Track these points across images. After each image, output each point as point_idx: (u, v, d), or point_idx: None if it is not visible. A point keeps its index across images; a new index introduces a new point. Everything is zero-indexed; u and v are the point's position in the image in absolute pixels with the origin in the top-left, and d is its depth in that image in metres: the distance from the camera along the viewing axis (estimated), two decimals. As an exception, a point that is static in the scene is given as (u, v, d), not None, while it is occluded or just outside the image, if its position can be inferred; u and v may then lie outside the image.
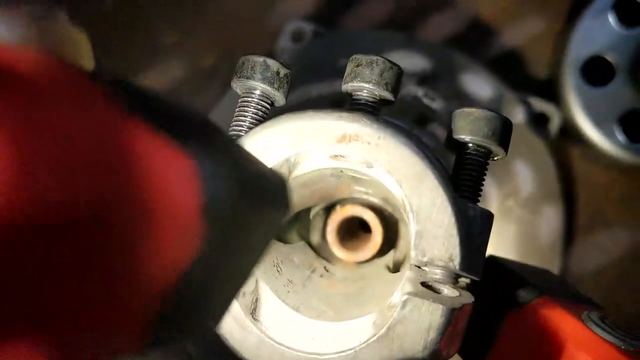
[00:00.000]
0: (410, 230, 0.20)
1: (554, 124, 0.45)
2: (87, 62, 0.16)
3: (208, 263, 0.15)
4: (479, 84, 0.43)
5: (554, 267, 0.43)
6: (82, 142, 0.12)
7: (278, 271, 0.25)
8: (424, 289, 0.20)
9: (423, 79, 0.41)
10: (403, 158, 0.20)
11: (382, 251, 0.32)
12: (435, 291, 0.20)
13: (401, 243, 0.32)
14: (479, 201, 0.21)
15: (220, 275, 0.16)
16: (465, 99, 0.40)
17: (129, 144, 0.12)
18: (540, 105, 0.45)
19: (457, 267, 0.19)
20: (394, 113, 0.27)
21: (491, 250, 0.37)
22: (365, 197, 0.30)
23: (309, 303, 0.25)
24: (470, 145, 0.21)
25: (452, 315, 0.20)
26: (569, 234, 0.46)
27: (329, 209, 0.33)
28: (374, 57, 0.22)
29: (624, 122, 0.43)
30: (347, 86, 0.22)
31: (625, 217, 0.47)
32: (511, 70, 0.47)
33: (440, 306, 0.20)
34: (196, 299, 0.15)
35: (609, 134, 0.43)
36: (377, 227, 0.31)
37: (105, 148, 0.12)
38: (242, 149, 0.17)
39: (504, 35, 0.48)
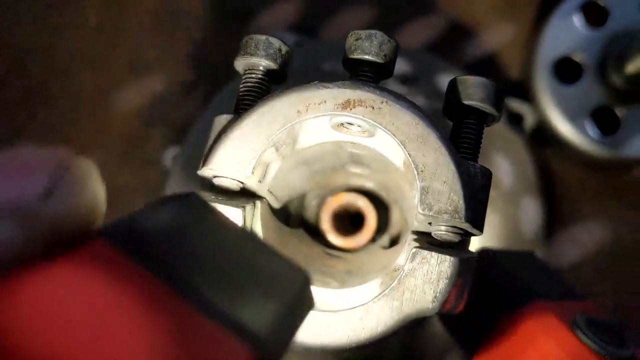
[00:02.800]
0: (416, 187, 0.21)
1: (529, 122, 0.46)
2: (101, 196, 0.14)
3: None
4: (457, 85, 0.44)
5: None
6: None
7: (284, 248, 0.26)
8: (431, 245, 0.21)
9: (405, 80, 0.42)
10: (406, 120, 0.21)
11: (375, 237, 0.33)
12: (443, 247, 0.21)
13: (393, 227, 0.33)
14: (477, 160, 0.22)
15: None
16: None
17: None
18: (515, 105, 0.47)
19: (463, 218, 0.20)
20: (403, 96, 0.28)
21: (480, 238, 0.38)
22: (359, 182, 0.31)
23: (314, 276, 0.25)
24: (468, 108, 0.23)
25: (460, 266, 0.21)
26: (548, 228, 0.48)
27: (322, 198, 0.33)
28: (373, 31, 0.23)
29: (595, 118, 0.45)
30: (350, 56, 0.23)
31: (601, 212, 0.49)
32: (486, 73, 0.49)
33: (448, 257, 0.21)
34: None
35: (582, 130, 0.45)
36: (371, 212, 0.32)
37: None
38: (271, 257, 0.17)
39: (477, 41, 0.50)
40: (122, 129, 0.52)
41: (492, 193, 0.41)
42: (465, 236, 0.22)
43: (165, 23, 0.52)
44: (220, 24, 0.52)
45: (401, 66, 0.43)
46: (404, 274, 0.21)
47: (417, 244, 0.21)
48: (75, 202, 0.12)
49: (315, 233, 0.33)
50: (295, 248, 0.28)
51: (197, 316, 0.13)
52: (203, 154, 0.23)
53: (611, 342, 0.24)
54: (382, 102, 0.21)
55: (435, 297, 0.20)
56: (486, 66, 0.49)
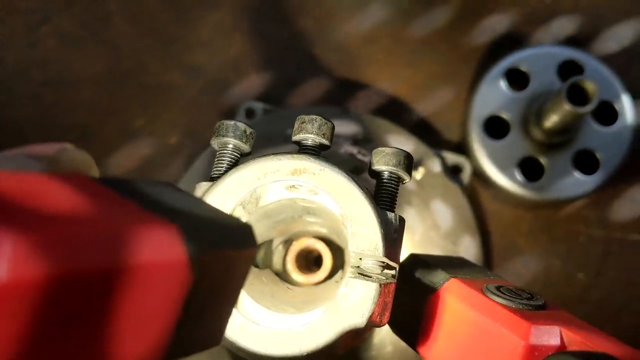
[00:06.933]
0: (347, 233, 0.28)
1: (466, 173, 0.54)
2: (95, 172, 0.21)
3: (200, 300, 0.18)
4: (402, 143, 0.52)
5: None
6: (106, 228, 0.16)
7: (252, 284, 0.33)
8: (360, 275, 0.28)
9: (356, 141, 0.50)
10: (338, 183, 0.29)
11: (331, 274, 0.40)
12: (369, 276, 0.28)
13: (347, 266, 0.40)
14: (394, 210, 0.30)
15: (212, 306, 0.20)
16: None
17: (130, 223, 0.17)
18: (454, 158, 0.55)
19: (381, 253, 0.28)
20: (336, 165, 0.36)
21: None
22: (316, 228, 0.38)
23: (277, 305, 0.32)
24: (385, 172, 0.30)
25: (381, 290, 0.28)
26: (488, 262, 0.55)
27: (287, 243, 0.40)
28: (314, 116, 0.30)
29: (522, 166, 0.53)
30: (296, 137, 0.31)
31: (534, 247, 0.56)
32: (429, 132, 0.57)
33: (372, 283, 0.28)
34: (193, 330, 0.19)
35: (511, 177, 0.53)
36: (327, 254, 0.39)
37: (119, 230, 0.16)
38: (211, 209, 0.21)
39: (421, 105, 0.58)
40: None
41: (432, 233, 0.48)
42: (387, 268, 0.29)
43: (151, 95, 0.60)
44: (200, 94, 0.60)
45: (353, 128, 0.51)
46: (339, 297, 0.28)
47: (351, 275, 0.28)
48: (71, 159, 0.20)
49: (280, 273, 0.40)
50: (261, 284, 0.35)
51: (136, 208, 0.17)
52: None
53: (521, 297, 0.27)
54: (320, 170, 0.29)
55: (363, 314, 0.27)
56: (429, 126, 0.58)
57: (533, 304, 0.28)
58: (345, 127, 0.51)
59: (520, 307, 0.27)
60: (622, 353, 0.24)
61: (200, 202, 0.22)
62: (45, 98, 0.60)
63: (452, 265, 0.33)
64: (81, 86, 0.61)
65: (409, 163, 0.30)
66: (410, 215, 0.44)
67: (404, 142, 0.52)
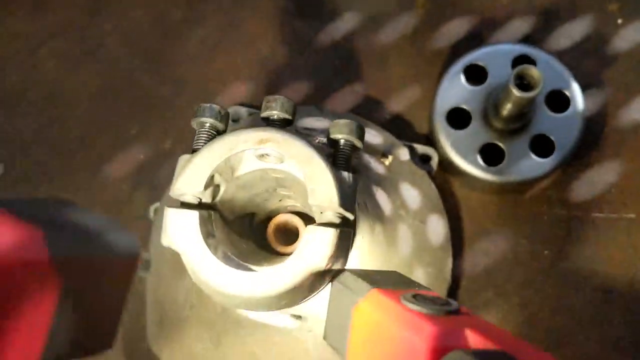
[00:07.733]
0: (307, 189, 0.33)
1: (434, 161, 0.59)
2: None
3: (77, 303, 0.19)
4: (373, 136, 0.57)
5: (447, 265, 0.56)
6: None
7: (235, 246, 0.37)
8: (321, 225, 0.33)
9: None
10: (298, 148, 0.34)
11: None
12: (327, 225, 0.33)
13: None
14: (349, 171, 0.35)
15: (93, 310, 0.20)
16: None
17: None
18: (423, 148, 0.60)
19: (336, 204, 0.32)
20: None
21: (392, 244, 0.49)
22: (291, 203, 0.43)
23: (255, 263, 0.37)
24: (341, 140, 0.35)
25: (337, 235, 0.32)
26: (459, 244, 0.60)
27: (266, 220, 0.45)
28: (277, 96, 0.36)
29: (483, 152, 0.58)
30: (264, 114, 0.36)
31: (502, 227, 0.61)
32: (401, 127, 0.63)
33: (329, 229, 0.32)
34: (74, 333, 0.20)
35: (474, 163, 0.58)
36: (302, 226, 0.44)
37: None
38: (96, 220, 0.22)
39: (392, 103, 0.63)
40: (114, 193, 0.64)
41: (402, 212, 0.53)
42: (343, 219, 0.34)
43: (143, 107, 0.65)
44: (189, 104, 0.65)
45: (326, 124, 0.56)
46: (303, 244, 0.32)
47: (313, 225, 0.33)
48: None
49: (261, 245, 0.44)
50: (244, 249, 0.39)
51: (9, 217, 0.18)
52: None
53: (435, 304, 0.28)
54: (283, 139, 0.34)
55: (323, 256, 0.32)
56: (400, 122, 0.63)
57: (445, 309, 0.28)
58: (320, 123, 0.56)
59: (432, 312, 0.28)
60: (520, 351, 0.25)
61: (84, 214, 0.22)
62: (46, 114, 0.66)
63: (382, 278, 0.34)
64: (79, 102, 0.66)
65: (360, 131, 0.35)
66: (379, 194, 0.49)
67: (375, 134, 0.57)
